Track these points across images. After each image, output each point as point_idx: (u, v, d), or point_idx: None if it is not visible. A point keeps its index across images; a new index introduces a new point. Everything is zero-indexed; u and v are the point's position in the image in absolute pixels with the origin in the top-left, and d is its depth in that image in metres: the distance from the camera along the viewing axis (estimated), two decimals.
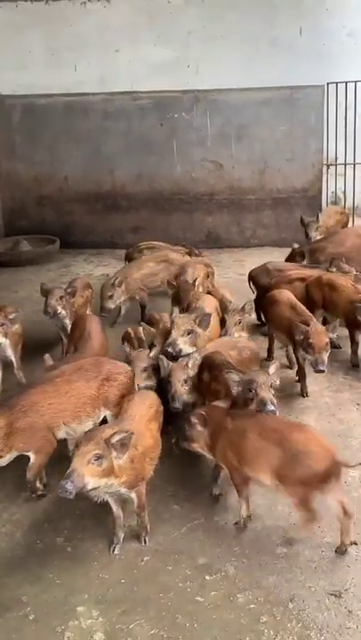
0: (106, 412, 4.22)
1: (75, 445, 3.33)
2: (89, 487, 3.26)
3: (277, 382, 4.18)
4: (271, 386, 3.98)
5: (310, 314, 5.40)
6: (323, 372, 4.92)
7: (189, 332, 4.91)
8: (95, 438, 3.30)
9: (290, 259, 7.24)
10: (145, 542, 3.73)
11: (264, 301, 5.95)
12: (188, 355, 4.69)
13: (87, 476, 3.22)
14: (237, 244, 9.51)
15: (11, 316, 5.44)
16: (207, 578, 3.48)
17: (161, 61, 9.90)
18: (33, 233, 9.78)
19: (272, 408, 3.82)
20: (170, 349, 4.82)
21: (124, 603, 3.34)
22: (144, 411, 3.88)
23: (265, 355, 5.72)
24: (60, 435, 4.03)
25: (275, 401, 3.90)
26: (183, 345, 4.88)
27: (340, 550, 3.58)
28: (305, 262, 6.94)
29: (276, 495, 4.06)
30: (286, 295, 5.66)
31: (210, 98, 9.31)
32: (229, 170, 9.51)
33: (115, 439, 3.32)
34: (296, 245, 7.17)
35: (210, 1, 9.97)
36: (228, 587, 3.42)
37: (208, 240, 9.73)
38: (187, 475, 4.36)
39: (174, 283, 6.27)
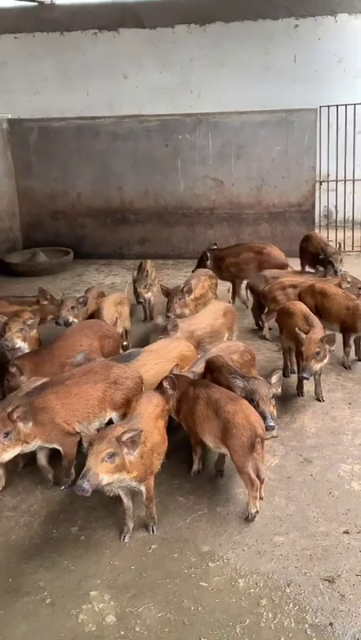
0: (112, 414, 4.19)
1: (88, 444, 3.33)
2: (104, 483, 3.28)
3: (279, 391, 4.16)
4: (273, 396, 3.98)
5: (320, 325, 5.18)
6: (306, 379, 4.91)
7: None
8: (107, 437, 3.31)
9: (200, 262, 7.64)
10: (153, 531, 3.73)
11: (278, 313, 5.78)
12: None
13: (102, 473, 3.24)
14: None
15: (29, 322, 5.43)
16: (210, 564, 3.48)
17: (166, 87, 9.95)
18: (48, 245, 9.81)
19: (272, 424, 3.86)
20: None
21: (134, 587, 3.34)
22: (151, 409, 3.88)
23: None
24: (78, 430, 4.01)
25: (274, 414, 3.95)
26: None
27: (251, 517, 3.76)
28: (209, 263, 7.45)
29: (273, 488, 4.09)
30: (300, 307, 5.45)
31: (211, 120, 9.33)
32: (229, 186, 9.52)
33: (126, 437, 3.33)
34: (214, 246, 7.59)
35: (211, 30, 10.02)
36: (229, 573, 3.42)
37: None
38: (190, 469, 4.35)
39: (166, 288, 6.25)
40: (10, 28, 10.30)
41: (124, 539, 3.69)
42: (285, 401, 5.19)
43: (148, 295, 6.92)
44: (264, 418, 3.84)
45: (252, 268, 7.32)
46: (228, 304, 6.07)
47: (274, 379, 4.07)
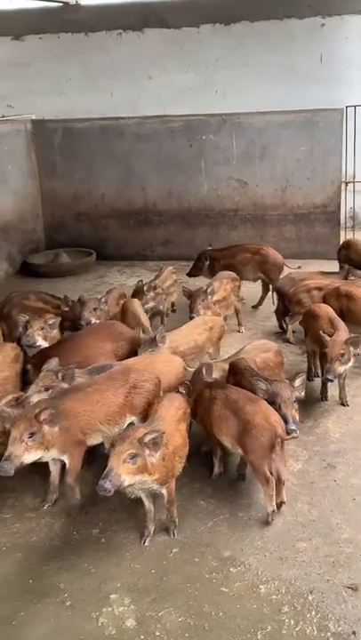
0: (132, 419, 4.15)
1: (110, 445, 3.35)
2: (125, 484, 3.30)
3: (302, 394, 4.14)
4: (295, 399, 3.97)
5: (345, 328, 5.12)
6: (331, 381, 4.86)
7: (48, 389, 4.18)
8: (129, 438, 3.33)
9: (196, 263, 7.65)
10: (174, 535, 3.73)
11: (303, 316, 5.73)
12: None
13: (123, 474, 3.26)
14: None
15: (50, 322, 5.49)
16: (231, 570, 3.47)
17: (190, 87, 9.96)
18: (71, 246, 9.86)
19: (293, 427, 3.85)
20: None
21: (154, 591, 3.34)
22: (173, 412, 3.88)
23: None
24: (92, 441, 3.98)
25: (296, 417, 3.92)
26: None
27: (273, 512, 3.80)
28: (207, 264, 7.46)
29: (296, 493, 4.06)
30: (325, 310, 5.41)
31: (235, 120, 9.31)
32: (253, 187, 9.48)
33: (148, 438, 3.35)
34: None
35: (236, 30, 10.01)
36: (251, 578, 3.41)
37: None
38: (212, 473, 4.34)
39: (189, 290, 6.26)
40: (34, 29, 10.40)
41: (144, 542, 3.70)
42: (309, 405, 5.15)
43: (150, 305, 6.57)
44: (286, 421, 3.84)
45: (250, 269, 7.39)
46: (217, 318, 5.77)
47: (297, 382, 4.05)
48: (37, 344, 5.35)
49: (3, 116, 9.75)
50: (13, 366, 4.78)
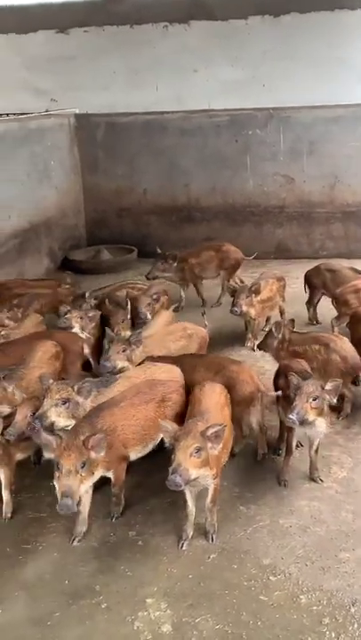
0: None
1: (174, 439, 3.40)
2: (192, 478, 3.36)
3: (333, 400, 4.04)
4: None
5: None
6: None
7: (65, 402, 3.99)
8: (193, 432, 3.40)
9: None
10: (212, 540, 3.73)
11: (351, 318, 5.69)
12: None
13: (191, 468, 3.33)
14: (306, 256, 9.36)
15: (90, 314, 5.68)
16: (271, 578, 3.45)
17: (236, 80, 9.90)
18: (112, 242, 9.93)
19: (293, 417, 3.82)
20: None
21: (191, 597, 3.34)
22: (216, 399, 3.92)
23: None
24: (133, 456, 3.96)
25: (302, 413, 3.82)
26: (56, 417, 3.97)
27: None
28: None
29: (340, 502, 4.01)
30: None
31: (283, 115, 9.23)
32: (300, 184, 9.39)
33: (210, 431, 3.40)
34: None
35: (285, 21, 9.91)
36: (291, 588, 3.38)
37: (277, 251, 9.63)
38: (252, 477, 4.33)
39: (233, 287, 6.29)
40: (79, 22, 10.48)
41: (182, 546, 3.71)
42: (355, 411, 5.08)
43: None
44: (291, 410, 3.83)
45: (213, 267, 7.64)
46: (200, 329, 5.52)
47: (329, 385, 3.98)
48: (74, 330, 5.54)
49: (46, 111, 9.86)
50: (53, 363, 4.83)
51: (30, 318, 5.94)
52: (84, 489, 3.50)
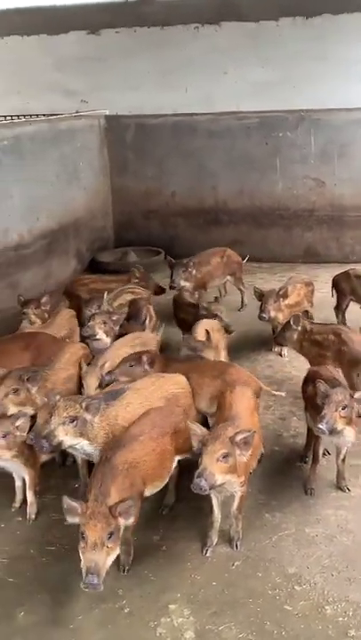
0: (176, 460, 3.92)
1: (202, 444, 3.39)
2: (218, 483, 3.34)
3: None
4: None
5: None
6: None
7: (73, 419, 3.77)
8: (221, 437, 3.38)
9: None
10: (237, 547, 3.71)
11: None
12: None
13: (217, 473, 3.30)
14: (335, 260, 9.30)
15: (114, 317, 5.61)
16: (296, 588, 3.43)
17: (267, 82, 9.88)
18: (140, 244, 9.96)
19: (322, 427, 3.75)
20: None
21: (215, 604, 3.33)
22: (246, 404, 3.89)
23: None
24: (148, 492, 3.68)
25: (331, 423, 3.75)
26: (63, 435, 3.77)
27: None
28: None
29: None
30: None
31: (313, 117, 9.18)
32: (331, 187, 9.33)
33: (239, 437, 3.38)
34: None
35: (317, 23, 9.87)
36: (316, 598, 3.35)
37: (306, 255, 9.57)
38: (278, 485, 4.30)
39: (260, 291, 6.26)
40: (111, 23, 10.56)
41: (206, 552, 3.70)
42: None
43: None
44: (320, 419, 3.76)
45: (220, 273, 7.60)
46: (151, 336, 5.48)
47: (358, 394, 3.94)
48: (97, 337, 5.45)
49: (77, 112, 9.93)
50: (80, 366, 4.84)
51: (63, 313, 5.99)
52: (112, 560, 3.14)
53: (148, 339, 5.34)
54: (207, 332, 5.17)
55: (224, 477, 3.37)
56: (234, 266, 7.69)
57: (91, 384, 4.56)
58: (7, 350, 5.07)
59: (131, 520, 3.22)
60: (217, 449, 3.33)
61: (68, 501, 3.15)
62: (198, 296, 6.97)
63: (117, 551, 3.18)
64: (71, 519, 3.15)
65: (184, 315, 6.18)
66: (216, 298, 6.15)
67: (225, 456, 3.33)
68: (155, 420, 3.82)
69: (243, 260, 7.82)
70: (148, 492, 3.65)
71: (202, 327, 5.30)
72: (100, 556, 3.02)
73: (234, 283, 7.76)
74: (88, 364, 4.78)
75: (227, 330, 5.67)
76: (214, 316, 5.68)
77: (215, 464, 3.31)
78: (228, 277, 7.69)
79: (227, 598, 3.37)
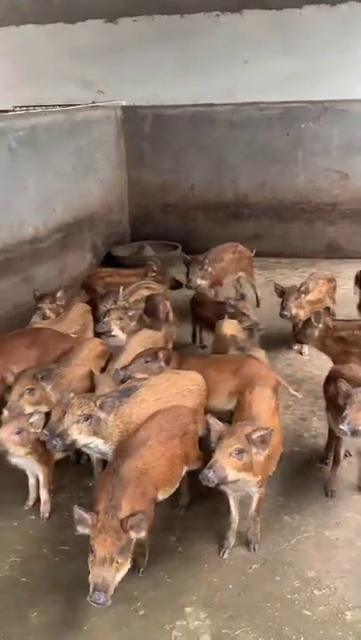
0: (185, 468, 3.89)
1: (217, 438, 3.40)
2: (229, 479, 3.34)
3: None
4: None
5: None
6: None
7: (87, 418, 3.78)
8: (237, 433, 3.38)
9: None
10: (254, 550, 3.72)
11: None
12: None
13: (228, 467, 3.30)
14: (359, 256, 9.24)
15: (130, 313, 5.61)
16: (315, 592, 3.42)
17: (289, 72, 9.81)
18: (157, 238, 9.95)
19: (344, 428, 3.72)
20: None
21: (231, 608, 3.34)
22: (266, 405, 3.88)
23: None
24: (161, 496, 3.66)
25: (354, 423, 3.72)
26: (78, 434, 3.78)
27: None
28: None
29: None
30: None
31: (337, 108, 9.13)
32: (355, 180, 9.27)
33: (256, 435, 3.37)
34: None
35: (342, 11, 9.79)
36: (336, 603, 3.35)
37: (328, 250, 9.53)
38: (297, 486, 4.30)
39: (281, 287, 6.25)
40: (128, 12, 10.54)
41: (223, 554, 3.71)
42: None
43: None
44: (342, 420, 3.74)
45: (233, 269, 7.56)
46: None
47: None
48: (113, 333, 5.47)
49: (93, 102, 9.94)
50: (97, 362, 4.87)
51: (76, 308, 6.02)
52: (121, 576, 3.08)
53: (158, 337, 5.34)
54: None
55: (237, 474, 3.36)
56: (245, 261, 7.68)
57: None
58: (11, 347, 5.12)
59: (142, 534, 3.15)
60: (231, 444, 3.33)
61: (79, 512, 3.13)
62: (215, 293, 6.99)
63: (128, 566, 3.13)
64: (82, 530, 3.12)
65: (208, 313, 6.13)
66: (242, 295, 6.05)
67: (239, 452, 3.33)
68: (162, 422, 3.79)
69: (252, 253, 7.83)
70: (160, 497, 3.65)
71: (227, 327, 5.31)
72: (108, 572, 2.98)
73: (246, 279, 7.73)
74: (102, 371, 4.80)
75: (254, 328, 5.54)
76: (242, 315, 5.65)
77: (227, 458, 3.31)
78: (241, 273, 7.66)
79: (244, 602, 3.38)
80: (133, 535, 3.12)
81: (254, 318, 5.74)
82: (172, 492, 3.77)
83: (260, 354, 4.96)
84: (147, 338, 5.23)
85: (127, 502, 3.22)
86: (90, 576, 2.99)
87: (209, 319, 6.01)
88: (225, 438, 3.37)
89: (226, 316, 5.56)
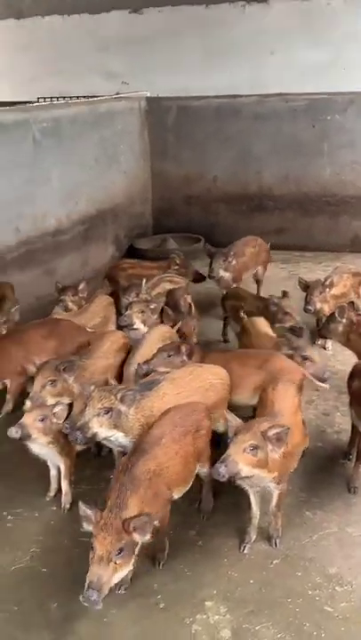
0: (198, 466, 3.86)
1: (233, 433, 3.39)
2: (242, 474, 3.32)
3: None
4: None
5: None
6: None
7: (107, 411, 3.78)
8: (253, 429, 3.36)
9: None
10: (275, 545, 3.71)
11: None
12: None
13: (241, 463, 3.29)
14: None
15: (152, 306, 5.60)
16: (337, 589, 3.41)
17: (316, 63, 9.72)
18: (180, 231, 9.93)
19: None
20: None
21: (252, 603, 3.34)
22: (290, 402, 3.85)
23: None
24: (176, 495, 3.65)
25: None
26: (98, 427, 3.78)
27: None
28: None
29: None
30: None
31: None
32: None
33: (272, 432, 3.35)
34: None
35: None
36: (358, 600, 3.33)
37: (353, 244, 9.44)
38: (320, 482, 4.28)
39: (305, 282, 6.19)
40: (154, 2, 10.51)
41: (243, 549, 3.70)
42: None
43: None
44: None
45: (253, 263, 7.49)
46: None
47: None
48: (135, 326, 5.47)
49: (117, 94, 9.94)
50: (119, 355, 4.88)
51: (99, 300, 6.03)
52: (121, 577, 3.08)
53: (172, 333, 5.32)
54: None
55: (251, 470, 3.34)
56: (264, 254, 7.61)
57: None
58: (30, 338, 5.19)
59: (146, 537, 3.11)
60: (246, 439, 3.31)
61: (83, 508, 3.11)
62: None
63: (128, 568, 3.11)
64: (87, 526, 3.10)
65: (250, 308, 5.91)
66: (285, 292, 5.90)
67: (253, 448, 3.31)
68: (175, 419, 3.74)
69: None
70: (175, 496, 3.62)
71: (263, 325, 5.32)
72: (104, 571, 2.94)
73: (261, 273, 7.63)
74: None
75: (294, 331, 5.30)
76: (285, 314, 5.54)
77: (241, 454, 3.29)
78: (259, 267, 7.58)
79: (264, 597, 3.37)
80: (137, 537, 3.07)
81: (297, 318, 5.63)
82: (185, 490, 3.72)
83: (320, 353, 4.85)
84: (164, 332, 5.22)
85: (135, 503, 3.20)
86: (87, 574, 2.96)
87: (251, 314, 5.75)
88: (240, 434, 3.36)
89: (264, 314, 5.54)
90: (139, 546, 3.15)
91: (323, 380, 4.63)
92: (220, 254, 6.98)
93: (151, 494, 3.34)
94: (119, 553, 2.98)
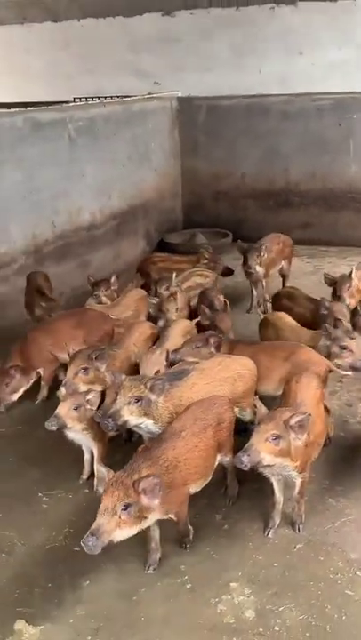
0: (219, 458, 3.81)
1: (257, 423, 3.39)
2: (264, 463, 3.33)
3: None
4: None
5: None
6: None
7: (138, 400, 3.77)
8: (275, 419, 3.36)
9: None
10: (299, 530, 3.70)
11: None
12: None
13: (263, 451, 3.29)
14: None
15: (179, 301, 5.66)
16: (358, 573, 3.40)
17: (343, 62, 9.61)
18: (208, 226, 9.92)
19: None
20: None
21: (275, 585, 3.34)
22: (312, 393, 3.82)
23: None
24: (192, 490, 3.59)
25: None
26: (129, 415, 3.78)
27: None
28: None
29: None
30: None
31: None
32: None
33: (294, 421, 3.34)
34: None
35: None
36: None
37: None
38: (343, 471, 4.25)
39: (331, 277, 6.12)
40: (186, 4, 10.48)
41: (268, 533, 3.70)
42: None
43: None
44: None
45: (279, 258, 7.37)
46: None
47: None
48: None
49: (149, 93, 9.93)
50: (147, 345, 4.90)
51: (132, 294, 6.06)
52: (123, 535, 3.05)
53: (193, 327, 5.29)
54: None
55: (273, 459, 3.33)
56: (288, 250, 7.52)
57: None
58: (59, 328, 5.25)
59: (155, 502, 3.10)
60: (269, 428, 3.31)
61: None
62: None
63: (133, 529, 3.09)
64: (102, 489, 3.12)
65: (302, 309, 5.75)
66: (339, 297, 5.78)
67: (276, 437, 3.30)
68: (196, 413, 3.69)
69: None
70: (192, 490, 3.59)
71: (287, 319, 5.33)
72: (107, 520, 2.96)
73: (287, 268, 7.53)
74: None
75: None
76: (335, 320, 5.19)
77: (263, 443, 3.29)
78: (283, 263, 7.47)
79: (288, 580, 3.37)
80: (145, 500, 3.08)
81: (347, 325, 5.26)
82: (204, 484, 3.66)
83: (353, 345, 4.66)
84: (187, 326, 5.23)
85: (148, 471, 3.19)
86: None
87: (302, 315, 5.60)
88: (263, 423, 3.36)
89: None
90: (150, 518, 3.17)
91: (359, 370, 4.57)
92: (254, 250, 6.93)
93: (166, 481, 3.27)
94: (125, 508, 3.00)
